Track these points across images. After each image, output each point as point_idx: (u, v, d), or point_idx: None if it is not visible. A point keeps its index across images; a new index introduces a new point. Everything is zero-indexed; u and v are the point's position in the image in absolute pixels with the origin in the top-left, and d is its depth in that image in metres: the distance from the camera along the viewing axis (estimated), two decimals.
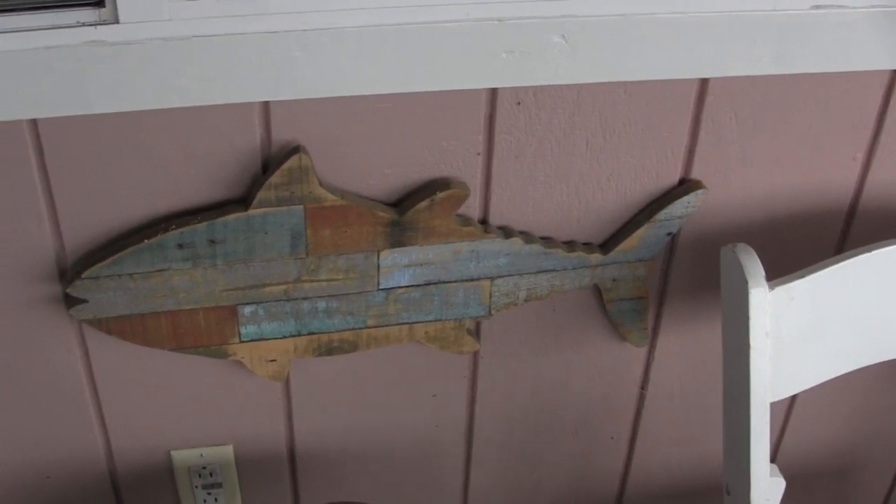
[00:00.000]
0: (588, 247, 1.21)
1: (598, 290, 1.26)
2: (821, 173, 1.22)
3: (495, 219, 1.17)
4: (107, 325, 1.14)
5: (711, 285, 1.28)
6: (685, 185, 1.19)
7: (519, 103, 1.09)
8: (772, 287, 1.07)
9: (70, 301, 1.12)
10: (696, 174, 1.19)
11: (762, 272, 1.06)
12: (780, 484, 1.18)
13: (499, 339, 1.28)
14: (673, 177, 1.18)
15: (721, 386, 1.16)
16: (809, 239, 1.27)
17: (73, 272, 1.11)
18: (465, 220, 1.15)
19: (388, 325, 1.21)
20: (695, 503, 1.57)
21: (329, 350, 1.21)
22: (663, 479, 1.51)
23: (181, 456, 1.32)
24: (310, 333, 1.19)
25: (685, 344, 1.35)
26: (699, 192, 1.18)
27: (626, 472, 1.49)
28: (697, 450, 1.49)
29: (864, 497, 1.64)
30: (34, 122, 1.01)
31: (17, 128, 1.01)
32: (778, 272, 1.08)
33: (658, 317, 1.31)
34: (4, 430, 1.25)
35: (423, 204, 1.11)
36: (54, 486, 1.32)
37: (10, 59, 0.94)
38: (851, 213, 1.26)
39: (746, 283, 1.05)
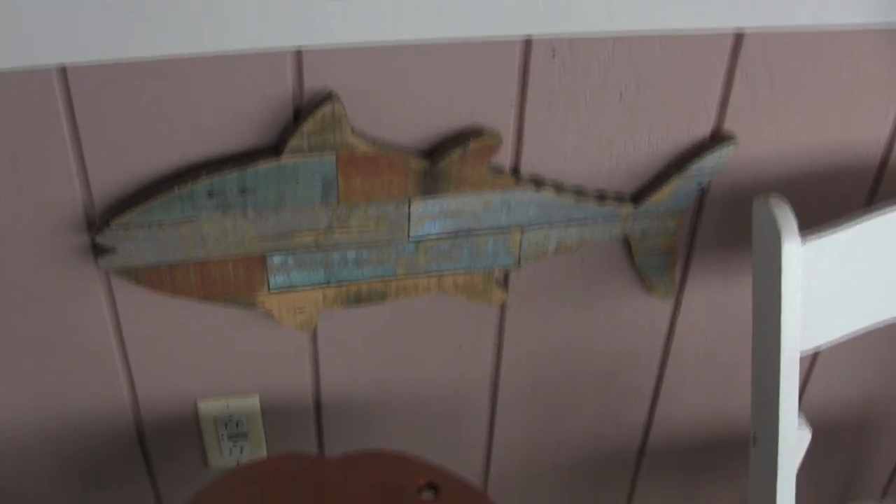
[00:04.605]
0: (619, 198, 1.21)
1: (627, 243, 1.26)
2: (853, 128, 1.21)
3: (526, 169, 1.17)
4: (135, 275, 1.13)
5: (739, 240, 1.28)
6: (717, 139, 1.18)
7: (553, 54, 1.08)
8: (804, 240, 1.06)
9: (98, 250, 1.11)
10: (728, 127, 1.18)
11: (795, 225, 1.06)
12: (806, 435, 1.18)
13: (526, 291, 1.28)
14: (705, 130, 1.18)
15: (746, 340, 1.16)
16: (839, 194, 1.27)
17: (101, 221, 1.10)
18: (497, 171, 1.14)
19: (417, 276, 1.20)
20: (716, 457, 1.57)
21: (358, 300, 1.21)
22: (686, 432, 1.51)
23: (207, 406, 1.32)
24: (339, 283, 1.19)
25: (711, 298, 1.34)
26: (731, 145, 1.18)
27: (648, 426, 1.49)
28: (720, 404, 1.49)
29: (884, 452, 1.64)
30: (63, 70, 1.00)
31: (45, 76, 1.00)
32: (807, 226, 1.08)
33: (685, 270, 1.31)
34: (32, 381, 1.25)
35: (455, 153, 1.11)
36: (81, 437, 1.32)
37: (38, 2, 0.93)
38: (882, 168, 1.26)
39: (779, 235, 1.05)
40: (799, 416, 1.14)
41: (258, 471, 1.21)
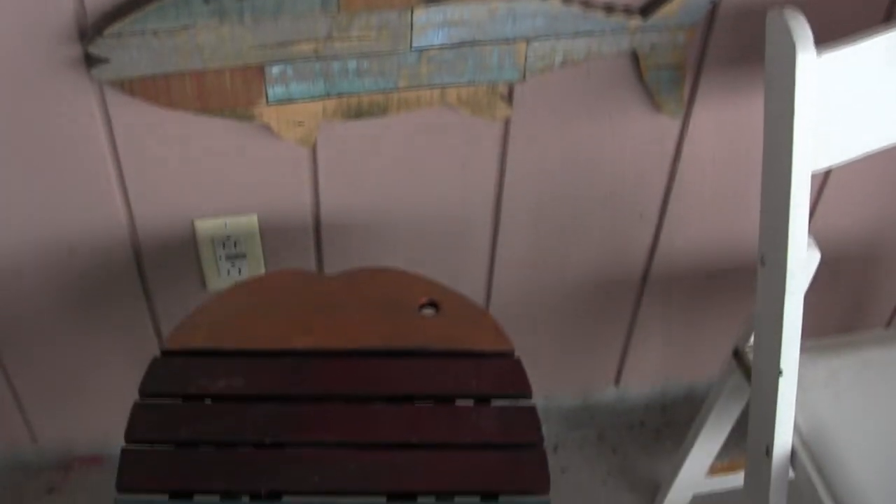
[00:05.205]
0: (628, 10, 1.17)
1: (635, 58, 1.23)
2: None
3: None
4: (129, 86, 1.11)
5: (752, 56, 1.25)
6: None
7: None
8: (819, 53, 1.03)
9: (91, 61, 1.08)
10: None
11: (811, 37, 1.02)
12: (815, 256, 1.17)
13: (531, 107, 1.25)
14: None
15: (755, 164, 1.14)
16: (856, 10, 1.24)
17: (93, 31, 1.07)
18: None
19: (419, 88, 1.17)
20: (720, 283, 1.56)
21: (358, 113, 1.18)
22: (690, 257, 1.50)
23: (205, 226, 1.30)
24: (339, 95, 1.16)
25: (720, 117, 1.32)
26: None
27: (653, 250, 1.48)
28: (725, 229, 1.47)
29: (891, 280, 1.64)
30: None
31: None
32: (821, 41, 1.05)
33: (694, 87, 1.28)
34: (26, 203, 1.23)
35: None
36: (77, 259, 1.31)
37: None
38: None
39: (794, 47, 1.01)
40: (809, 237, 1.13)
41: (256, 286, 1.21)
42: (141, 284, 1.37)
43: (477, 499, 1.03)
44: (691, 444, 1.52)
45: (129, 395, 1.09)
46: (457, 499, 1.03)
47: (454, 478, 1.04)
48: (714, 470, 1.60)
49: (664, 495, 1.64)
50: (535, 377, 1.13)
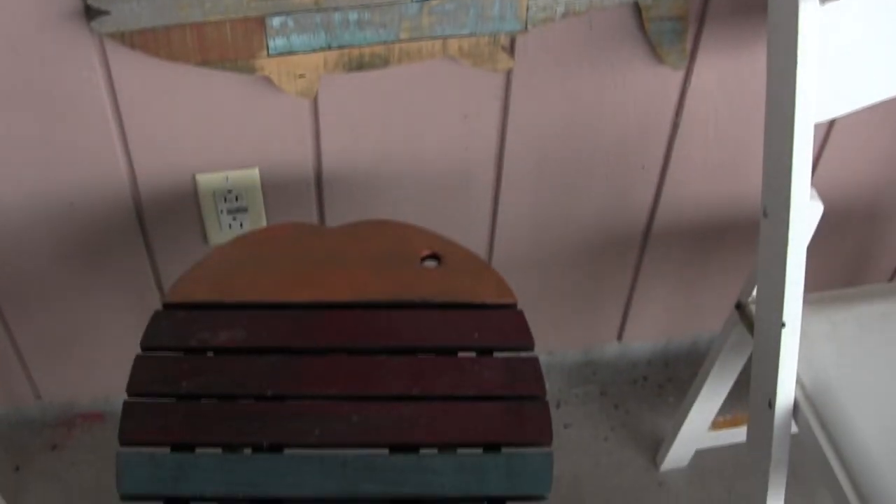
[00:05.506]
0: None
1: (637, 9, 1.22)
2: None
3: None
4: (130, 39, 1.10)
5: (754, 8, 1.24)
6: None
7: None
8: (822, 2, 1.02)
9: (91, 13, 1.08)
10: None
11: None
12: (818, 208, 1.16)
13: (533, 58, 1.25)
14: None
15: (757, 118, 1.14)
16: None
17: None
18: None
19: (421, 39, 1.17)
20: (723, 238, 1.56)
21: (360, 65, 1.17)
22: (693, 211, 1.49)
23: (206, 180, 1.30)
24: (340, 47, 1.15)
25: (723, 69, 1.31)
26: None
27: (655, 203, 1.47)
28: (727, 184, 1.47)
29: (894, 237, 1.64)
30: None
31: None
32: None
33: (697, 39, 1.27)
34: (26, 156, 1.22)
35: None
36: (78, 213, 1.31)
37: None
38: None
39: None
40: (812, 189, 1.12)
41: (258, 239, 1.20)
42: (142, 239, 1.36)
43: (479, 450, 1.03)
44: (694, 399, 1.52)
45: (131, 350, 1.09)
46: (459, 450, 1.03)
47: (457, 430, 1.04)
48: (716, 425, 1.60)
49: (667, 450, 1.65)
50: (538, 333, 1.13)
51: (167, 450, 1.02)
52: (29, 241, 1.33)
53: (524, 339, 1.11)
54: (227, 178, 1.30)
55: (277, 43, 1.13)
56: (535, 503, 1.00)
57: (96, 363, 1.54)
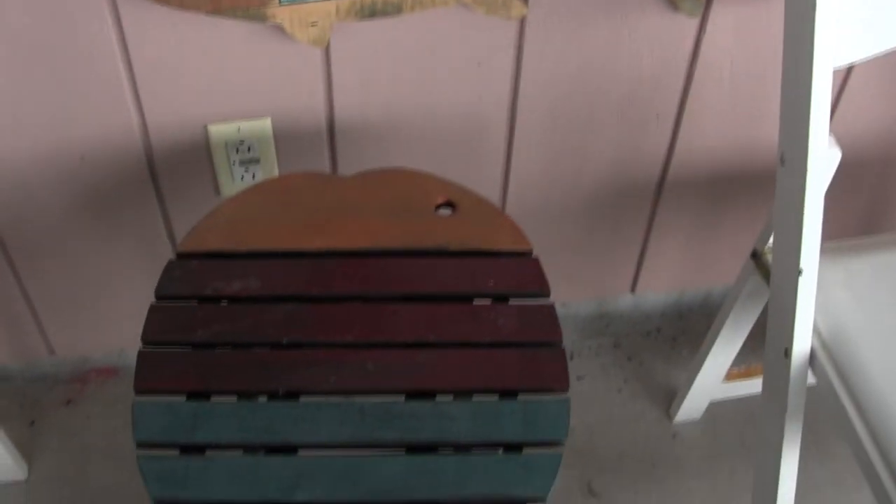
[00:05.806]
0: None
1: None
2: None
3: None
4: None
5: None
6: None
7: None
8: None
9: None
10: None
11: None
12: (836, 154, 1.16)
13: (547, 6, 1.24)
14: None
15: (773, 67, 1.12)
16: None
17: None
18: None
19: None
20: (738, 188, 1.55)
21: (372, 12, 1.16)
22: (707, 161, 1.48)
23: (218, 130, 1.29)
24: None
25: (739, 16, 1.30)
26: None
27: (670, 152, 1.46)
28: (741, 136, 1.46)
29: None
30: None
31: None
32: None
33: None
34: (36, 109, 1.22)
35: None
36: (89, 167, 1.30)
37: None
38: None
39: None
40: (829, 135, 1.11)
41: (271, 188, 1.20)
42: (154, 191, 1.36)
43: (495, 397, 1.03)
44: (708, 350, 1.51)
45: (143, 304, 1.09)
46: (475, 397, 1.03)
47: (472, 376, 1.04)
48: (731, 376, 1.60)
49: (680, 402, 1.64)
50: (552, 285, 1.12)
51: (183, 398, 1.02)
52: (39, 194, 1.32)
53: (540, 286, 1.11)
54: (239, 129, 1.29)
55: None
56: (551, 448, 1.00)
57: (109, 317, 1.54)
